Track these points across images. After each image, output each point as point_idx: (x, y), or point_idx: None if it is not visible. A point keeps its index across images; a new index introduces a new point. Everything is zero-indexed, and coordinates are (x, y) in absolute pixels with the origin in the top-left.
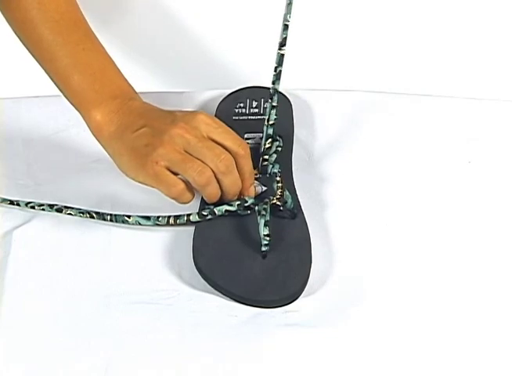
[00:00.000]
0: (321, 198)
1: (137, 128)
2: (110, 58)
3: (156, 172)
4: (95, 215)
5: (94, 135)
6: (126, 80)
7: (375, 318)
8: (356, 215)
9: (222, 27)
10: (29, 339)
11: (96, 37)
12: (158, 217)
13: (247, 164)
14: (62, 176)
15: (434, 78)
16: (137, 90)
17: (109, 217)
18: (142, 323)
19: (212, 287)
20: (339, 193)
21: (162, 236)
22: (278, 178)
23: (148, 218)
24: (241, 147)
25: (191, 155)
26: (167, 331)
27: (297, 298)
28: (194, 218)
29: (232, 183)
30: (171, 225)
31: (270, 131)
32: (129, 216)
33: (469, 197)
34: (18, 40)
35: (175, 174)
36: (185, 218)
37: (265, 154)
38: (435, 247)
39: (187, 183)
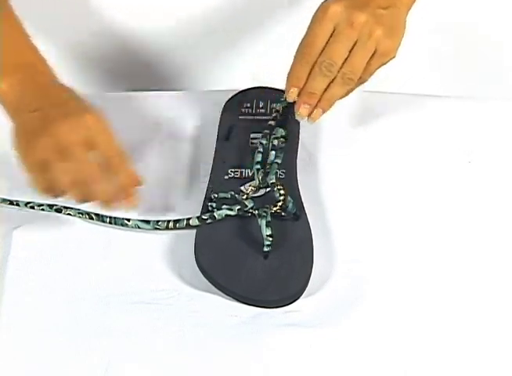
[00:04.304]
0: (321, 198)
1: (32, 110)
2: (23, 30)
3: (30, 162)
4: (94, 217)
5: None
6: (37, 53)
7: (375, 319)
8: (357, 215)
9: (226, 27)
10: (29, 339)
11: (10, 8)
12: (157, 221)
13: (120, 171)
14: None
15: (434, 78)
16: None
17: (108, 219)
18: (142, 323)
19: (213, 286)
20: (339, 193)
21: (162, 236)
22: (279, 186)
23: (147, 222)
24: (113, 157)
25: (66, 154)
26: (167, 331)
27: (298, 299)
28: (194, 222)
29: (99, 191)
30: (171, 229)
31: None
32: (128, 219)
33: (469, 197)
34: None
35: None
36: (185, 222)
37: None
38: (436, 247)
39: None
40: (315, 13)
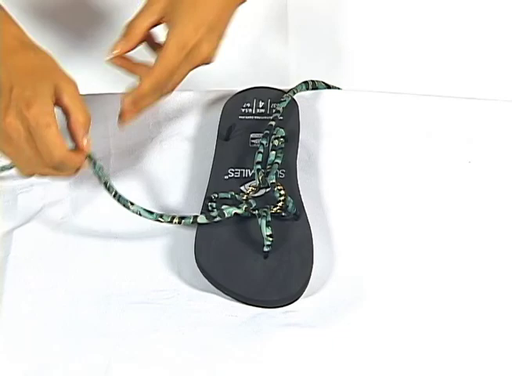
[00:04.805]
0: (321, 198)
1: (1, 87)
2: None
3: None
4: (105, 185)
5: None
6: (19, 28)
7: (375, 319)
8: (356, 215)
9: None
10: (29, 339)
11: None
12: (161, 215)
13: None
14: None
15: (434, 78)
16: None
17: (114, 193)
18: (142, 323)
19: (213, 286)
20: (339, 193)
21: (162, 236)
22: (280, 187)
23: (151, 212)
24: (48, 157)
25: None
26: (167, 331)
27: (297, 299)
28: (202, 219)
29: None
30: (174, 223)
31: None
32: (132, 203)
33: (469, 197)
34: None
35: None
36: (192, 219)
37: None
38: (436, 247)
39: None
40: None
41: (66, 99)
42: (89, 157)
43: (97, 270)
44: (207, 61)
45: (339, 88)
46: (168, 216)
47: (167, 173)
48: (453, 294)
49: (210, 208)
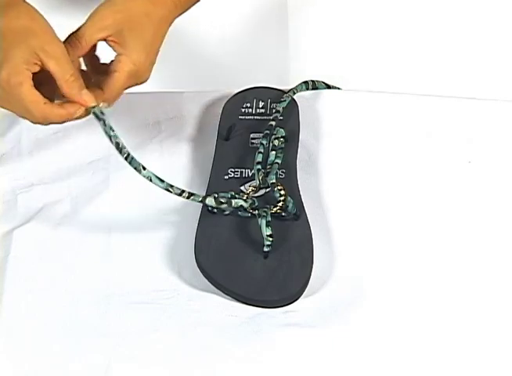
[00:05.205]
0: (321, 198)
1: None
2: None
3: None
4: (117, 147)
5: None
6: None
7: (375, 319)
8: (356, 215)
9: (230, 27)
10: (29, 339)
11: None
12: (172, 185)
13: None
14: (62, 176)
15: (434, 78)
16: (145, 90)
17: (126, 155)
18: (142, 323)
19: (213, 286)
20: (339, 193)
21: (162, 236)
22: (280, 187)
23: (162, 180)
24: (29, 114)
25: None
26: (167, 331)
27: (297, 299)
28: (210, 201)
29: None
30: (183, 197)
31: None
32: (144, 168)
33: (469, 197)
34: None
35: None
36: (200, 198)
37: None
38: (436, 247)
39: None
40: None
41: (52, 63)
42: (97, 116)
43: (97, 270)
44: (144, 82)
45: (339, 88)
46: (178, 189)
47: (167, 173)
48: (453, 294)
49: (210, 208)
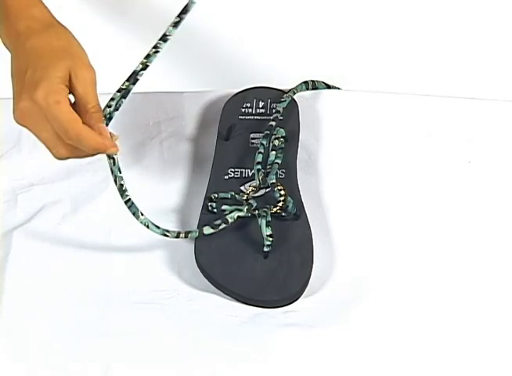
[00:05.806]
0: (321, 198)
1: (21, 63)
2: None
3: (15, 118)
4: (120, 188)
5: None
6: (43, 9)
7: (375, 319)
8: (356, 215)
9: (229, 26)
10: (29, 339)
11: None
12: (168, 230)
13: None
14: (62, 176)
15: (434, 78)
16: (145, 90)
17: (126, 199)
18: (142, 323)
19: (213, 286)
20: (339, 193)
21: (162, 236)
22: (280, 187)
23: (158, 227)
24: (64, 132)
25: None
26: (167, 331)
27: (297, 299)
28: (208, 231)
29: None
30: (180, 238)
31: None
32: (142, 214)
33: (469, 197)
34: None
35: None
36: (198, 232)
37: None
38: (436, 247)
39: None
40: None
41: (79, 88)
42: (108, 154)
43: (97, 270)
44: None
45: (339, 88)
46: (174, 232)
47: (167, 173)
48: (453, 294)
49: (210, 208)
